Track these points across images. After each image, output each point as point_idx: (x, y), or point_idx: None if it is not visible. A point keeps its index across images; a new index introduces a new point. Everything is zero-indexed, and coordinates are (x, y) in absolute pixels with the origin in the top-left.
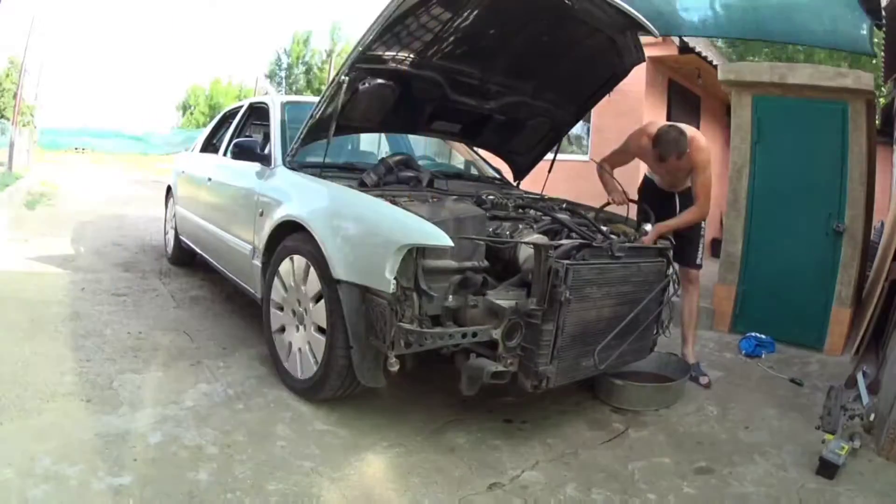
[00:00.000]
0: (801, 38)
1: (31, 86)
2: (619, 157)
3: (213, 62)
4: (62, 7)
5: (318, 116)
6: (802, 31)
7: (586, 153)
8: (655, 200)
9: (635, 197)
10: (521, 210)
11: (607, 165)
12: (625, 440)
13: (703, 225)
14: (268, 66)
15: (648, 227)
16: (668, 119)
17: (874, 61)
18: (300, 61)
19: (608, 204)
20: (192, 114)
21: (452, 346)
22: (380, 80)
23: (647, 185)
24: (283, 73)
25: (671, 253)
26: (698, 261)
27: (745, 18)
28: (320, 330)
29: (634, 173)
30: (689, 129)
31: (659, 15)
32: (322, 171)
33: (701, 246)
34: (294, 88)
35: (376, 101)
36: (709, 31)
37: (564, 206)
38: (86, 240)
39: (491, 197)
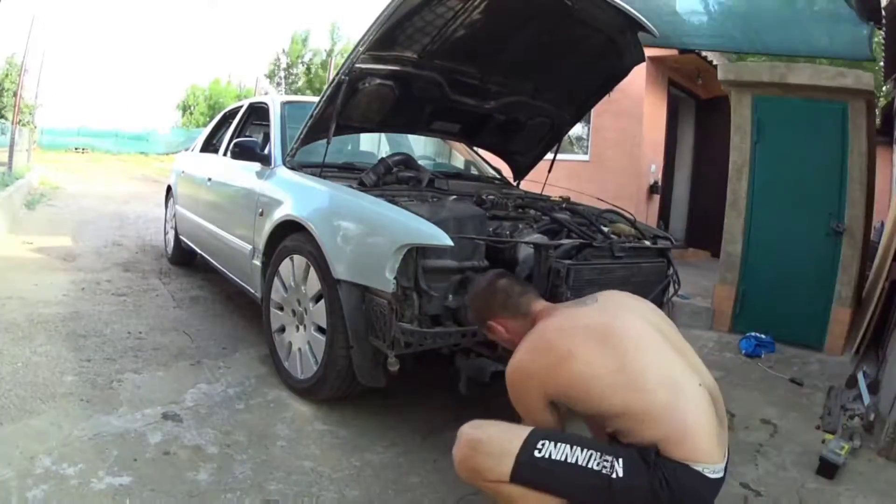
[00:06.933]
0: (800, 51)
1: (31, 86)
2: None
3: (213, 62)
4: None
5: (318, 116)
6: (801, 45)
7: (587, 153)
8: None
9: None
10: (521, 210)
11: None
12: None
13: None
14: (267, 66)
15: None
16: (668, 119)
17: (875, 64)
18: (300, 61)
19: None
20: (191, 114)
21: (452, 345)
22: (380, 80)
23: None
24: (282, 74)
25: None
26: None
27: (744, 31)
28: (320, 330)
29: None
30: None
31: (659, 25)
32: (322, 171)
33: None
34: (293, 88)
35: (376, 101)
36: (707, 44)
37: (564, 205)
38: (86, 240)
39: (491, 197)
